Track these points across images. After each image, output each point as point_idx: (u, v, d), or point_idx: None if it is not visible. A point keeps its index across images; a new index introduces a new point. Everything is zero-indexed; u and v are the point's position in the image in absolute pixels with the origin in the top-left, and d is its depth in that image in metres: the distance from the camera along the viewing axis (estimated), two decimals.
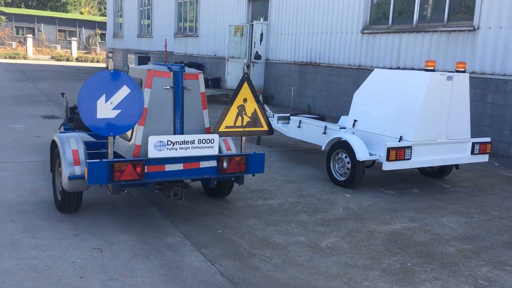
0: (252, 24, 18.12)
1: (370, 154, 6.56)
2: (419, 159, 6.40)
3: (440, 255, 4.57)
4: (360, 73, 13.19)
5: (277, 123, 9.12)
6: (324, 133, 7.57)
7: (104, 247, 4.38)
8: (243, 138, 5.23)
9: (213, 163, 4.97)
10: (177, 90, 4.90)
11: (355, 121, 7.11)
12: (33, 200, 5.54)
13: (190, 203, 5.68)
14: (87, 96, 4.32)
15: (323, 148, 7.18)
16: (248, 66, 5.45)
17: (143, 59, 25.42)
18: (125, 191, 4.76)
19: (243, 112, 5.11)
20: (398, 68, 11.98)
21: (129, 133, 4.93)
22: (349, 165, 6.67)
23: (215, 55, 21.34)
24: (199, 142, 4.85)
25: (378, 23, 12.85)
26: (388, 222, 5.44)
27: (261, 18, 18.01)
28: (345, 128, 7.29)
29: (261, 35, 17.62)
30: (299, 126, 8.15)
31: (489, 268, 4.35)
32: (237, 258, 4.29)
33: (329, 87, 14.42)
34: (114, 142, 5.24)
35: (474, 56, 10.16)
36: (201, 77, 5.07)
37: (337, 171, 6.93)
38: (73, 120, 7.36)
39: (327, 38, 14.45)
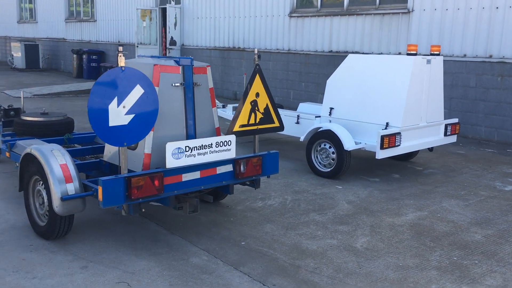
0: (163, 8, 17.16)
1: (355, 143, 6.37)
2: (406, 145, 6.34)
3: (474, 244, 4.50)
4: (290, 58, 13.02)
5: (232, 113, 8.61)
6: (297, 122, 7.24)
7: (129, 279, 3.68)
8: (256, 137, 4.73)
9: (229, 168, 4.43)
10: (187, 87, 4.26)
11: (331, 109, 6.87)
12: (0, 227, 4.56)
13: (182, 212, 5.06)
14: (97, 100, 3.55)
15: (302, 139, 6.85)
16: (259, 56, 4.91)
17: (31, 47, 23.13)
18: (143, 210, 4.04)
19: (256, 108, 4.60)
20: (331, 51, 11.99)
21: None
22: (334, 156, 6.43)
23: (119, 41, 19.97)
24: (217, 146, 4.27)
25: (307, 6, 12.72)
26: (399, 213, 5.29)
27: (172, 1, 17.09)
28: (319, 116, 7.03)
29: (175, 19, 16.74)
30: (297, 122, 7.71)
31: None
32: (284, 274, 3.84)
33: None
34: (110, 151, 4.46)
35: (409, 39, 10.42)
36: (209, 70, 4.46)
37: (319, 162, 6.66)
38: (14, 125, 6.26)
39: (251, 22, 14.06)
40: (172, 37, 16.75)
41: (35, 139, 5.76)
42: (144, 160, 4.07)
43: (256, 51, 4.59)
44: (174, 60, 4.22)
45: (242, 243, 4.41)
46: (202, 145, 4.16)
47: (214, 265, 3.97)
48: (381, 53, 10.91)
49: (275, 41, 13.43)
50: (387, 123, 6.26)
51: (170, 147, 3.95)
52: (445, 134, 6.96)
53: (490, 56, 9.16)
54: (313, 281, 3.73)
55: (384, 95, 6.31)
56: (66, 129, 6.25)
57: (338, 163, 6.35)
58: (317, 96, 12.38)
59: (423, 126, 6.57)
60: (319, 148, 6.64)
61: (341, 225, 4.91)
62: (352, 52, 11.48)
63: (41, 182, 4.29)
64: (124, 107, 3.68)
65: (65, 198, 3.95)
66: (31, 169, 4.33)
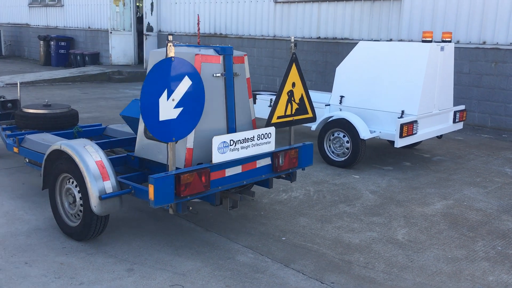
0: None
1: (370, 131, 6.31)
2: (421, 132, 6.32)
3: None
4: (276, 44, 12.85)
5: None
6: None
7: (182, 281, 3.48)
8: (292, 128, 4.57)
9: (268, 161, 4.26)
10: (228, 78, 4.05)
11: (341, 97, 6.77)
12: (24, 229, 4.26)
13: (211, 207, 4.88)
14: (148, 93, 3.32)
15: (313, 128, 6.74)
16: (295, 45, 4.72)
17: None
18: (190, 208, 3.83)
19: (292, 99, 4.43)
20: (319, 38, 11.89)
21: None
22: (348, 145, 6.35)
23: (89, 27, 19.26)
24: (258, 138, 4.09)
25: None
26: (425, 202, 5.27)
27: None
28: (329, 105, 6.92)
29: (151, 4, 16.24)
30: (271, 105, 7.56)
31: None
32: (338, 270, 3.73)
33: None
34: (143, 146, 4.21)
35: (401, 25, 10.43)
36: (246, 59, 4.26)
37: (332, 152, 6.57)
38: (15, 117, 5.88)
39: (233, 8, 13.77)
40: (149, 23, 16.27)
41: (44, 132, 5.42)
42: (187, 155, 3.85)
43: (292, 39, 4.42)
44: (214, 49, 4.00)
45: (283, 238, 4.27)
46: (245, 138, 3.97)
47: (263, 263, 3.82)
48: (372, 40, 10.88)
49: (259, 27, 13.21)
50: (402, 111, 6.21)
51: (216, 141, 3.75)
52: (454, 121, 6.98)
53: (484, 43, 9.27)
54: (370, 277, 3.64)
55: (399, 83, 6.25)
56: (71, 121, 5.92)
57: (353, 152, 6.28)
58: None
59: (436, 114, 6.57)
60: (332, 137, 6.54)
61: (374, 216, 4.83)
62: (342, 39, 11.42)
63: (72, 180, 4.02)
64: (173, 100, 3.45)
65: (104, 197, 3.71)
66: (60, 167, 4.04)
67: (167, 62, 3.37)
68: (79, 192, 3.96)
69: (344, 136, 6.40)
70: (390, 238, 4.33)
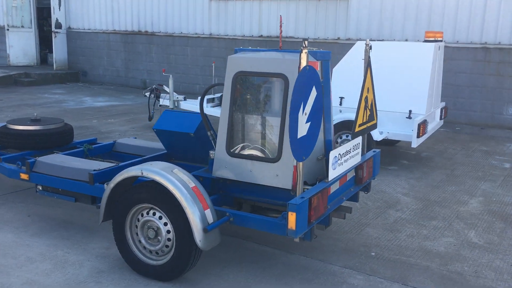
0: None
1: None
2: (427, 131, 6.42)
3: None
4: (213, 43, 12.36)
5: (207, 106, 7.87)
6: None
7: None
8: (365, 136, 4.30)
9: (352, 173, 3.97)
10: (326, 85, 3.67)
11: (341, 98, 6.64)
12: (84, 274, 3.50)
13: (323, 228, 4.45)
14: (293, 108, 2.86)
15: None
16: (371, 47, 4.36)
17: None
18: (316, 236, 3.37)
19: (366, 105, 4.17)
20: (261, 36, 11.66)
21: (272, 147, 3.49)
22: None
23: None
24: (353, 150, 3.79)
25: None
26: (461, 201, 5.34)
27: None
28: None
29: None
30: None
31: None
32: (458, 285, 3.58)
33: (171, 59, 13.11)
34: (225, 165, 3.65)
35: (348, 24, 10.59)
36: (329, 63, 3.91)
37: None
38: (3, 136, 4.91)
39: (161, 4, 12.98)
40: (57, 19, 14.74)
41: (57, 153, 4.56)
42: (294, 173, 3.42)
43: (367, 41, 4.15)
44: (311, 54, 3.59)
45: (372, 253, 4.02)
46: (346, 151, 3.64)
47: (380, 284, 3.54)
48: (318, 38, 10.92)
49: (193, 25, 12.61)
50: (410, 111, 6.25)
51: (332, 155, 3.37)
52: (440, 118, 7.22)
53: (418, 40, 9.72)
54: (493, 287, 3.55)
55: (404, 83, 6.27)
56: (66, 139, 5.07)
57: None
58: None
59: (433, 112, 6.73)
60: (339, 140, 6.39)
61: (431, 220, 4.77)
62: (286, 37, 11.31)
63: (153, 212, 3.37)
64: (306, 114, 3.02)
65: (209, 228, 3.17)
66: (137, 196, 3.36)
67: (305, 72, 2.93)
68: (165, 224, 3.34)
69: None
70: (468, 242, 4.28)
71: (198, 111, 4.17)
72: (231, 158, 3.60)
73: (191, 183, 3.30)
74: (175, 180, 3.24)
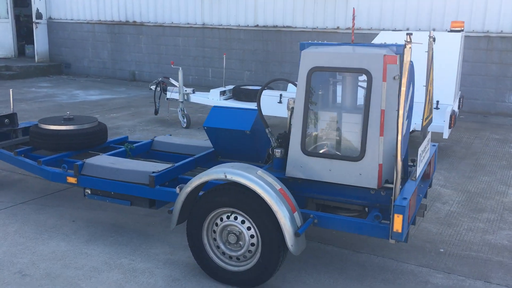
0: None
1: None
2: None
3: None
4: (206, 33, 12.06)
5: (219, 99, 7.64)
6: (280, 102, 6.89)
7: None
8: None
9: None
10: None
11: None
12: (158, 284, 3.29)
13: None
14: (405, 105, 2.72)
15: None
16: (434, 40, 4.22)
17: None
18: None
19: (430, 99, 4.08)
20: (257, 26, 11.44)
21: (353, 145, 3.35)
22: None
23: None
24: (427, 145, 3.69)
25: None
26: (500, 191, 5.33)
27: None
28: None
29: None
30: (280, 102, 7.01)
31: None
32: None
33: (161, 50, 12.74)
34: (301, 165, 3.48)
35: (348, 13, 10.49)
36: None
37: None
38: (30, 136, 4.62)
39: None
40: (37, 9, 14.10)
41: (102, 154, 4.30)
42: (378, 173, 3.29)
43: (431, 33, 4.03)
44: (390, 48, 3.45)
45: (441, 250, 3.95)
46: (425, 147, 3.54)
47: (461, 282, 3.47)
48: (316, 28, 10.80)
49: (184, 15, 12.27)
50: (437, 101, 6.22)
51: (420, 152, 3.26)
52: (458, 108, 7.22)
53: (419, 30, 9.73)
54: None
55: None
56: (101, 138, 4.81)
57: None
58: (242, 74, 11.76)
59: (456, 101, 6.72)
60: None
61: (481, 212, 4.75)
62: (284, 27, 11.14)
63: (235, 216, 3.19)
64: (406, 111, 2.89)
65: (300, 232, 3.02)
66: (219, 200, 3.17)
67: (410, 69, 2.79)
68: (249, 229, 3.17)
69: None
70: None
71: (212, 104, 3.98)
72: (308, 157, 3.44)
73: (277, 185, 3.14)
74: (263, 183, 3.07)
